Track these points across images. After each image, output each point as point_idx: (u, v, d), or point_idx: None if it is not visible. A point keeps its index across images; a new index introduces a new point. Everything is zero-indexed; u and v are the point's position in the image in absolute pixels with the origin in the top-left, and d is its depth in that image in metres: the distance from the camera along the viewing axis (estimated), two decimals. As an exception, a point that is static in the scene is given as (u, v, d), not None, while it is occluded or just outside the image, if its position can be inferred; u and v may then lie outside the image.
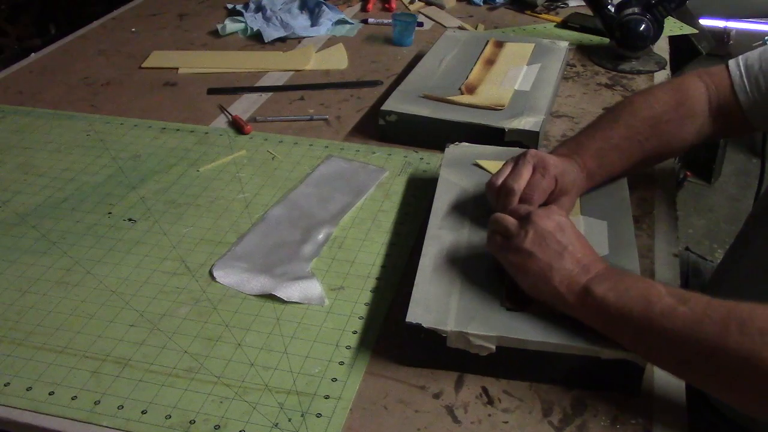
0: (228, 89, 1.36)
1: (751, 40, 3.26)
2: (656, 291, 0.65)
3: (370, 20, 1.72)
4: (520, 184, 0.82)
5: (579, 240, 0.72)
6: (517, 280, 0.73)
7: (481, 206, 0.89)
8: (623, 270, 0.71)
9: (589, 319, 0.68)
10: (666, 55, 1.50)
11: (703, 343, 0.61)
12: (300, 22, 1.65)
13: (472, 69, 1.29)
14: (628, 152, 0.90)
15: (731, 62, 0.93)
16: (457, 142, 1.03)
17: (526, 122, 1.10)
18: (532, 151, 0.85)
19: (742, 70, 0.91)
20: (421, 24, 1.68)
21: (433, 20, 1.75)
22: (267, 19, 1.64)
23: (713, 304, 0.62)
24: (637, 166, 0.92)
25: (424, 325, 0.70)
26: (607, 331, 0.68)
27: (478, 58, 1.34)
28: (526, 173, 0.83)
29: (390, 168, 1.08)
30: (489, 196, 0.86)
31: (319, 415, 0.68)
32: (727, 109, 0.92)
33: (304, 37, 1.62)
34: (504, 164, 0.86)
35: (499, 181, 0.84)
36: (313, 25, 1.66)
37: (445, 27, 1.68)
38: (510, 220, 0.75)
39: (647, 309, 0.64)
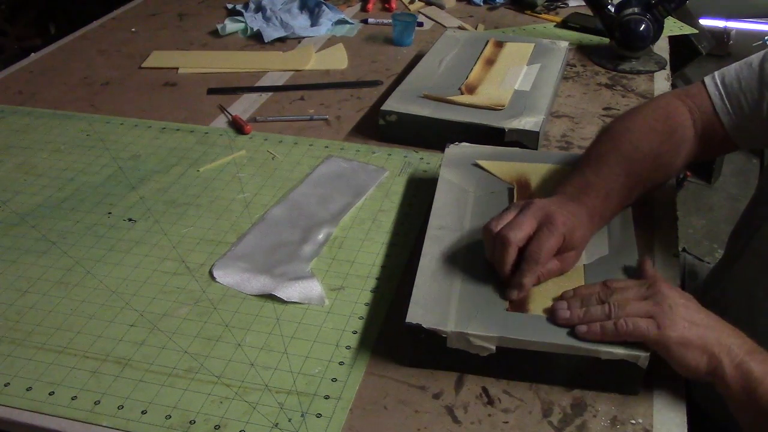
0: (228, 89, 1.36)
1: (751, 40, 3.26)
2: None
3: (370, 20, 1.72)
4: (517, 234, 0.74)
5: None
6: (667, 320, 0.67)
7: (481, 206, 0.89)
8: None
9: (732, 396, 0.65)
10: (666, 55, 1.50)
11: None
12: (300, 22, 1.65)
13: (472, 69, 1.29)
14: (633, 191, 0.86)
15: (707, 81, 0.90)
16: (457, 142, 1.03)
17: (526, 122, 1.10)
18: (539, 203, 0.77)
19: (722, 91, 0.88)
20: (421, 24, 1.68)
21: (433, 20, 1.75)
22: (267, 19, 1.64)
23: None
24: (634, 199, 0.89)
25: (424, 325, 0.70)
26: (745, 416, 0.65)
27: (478, 58, 1.34)
28: (527, 226, 0.74)
29: (390, 168, 1.08)
30: (485, 241, 0.78)
31: (319, 415, 0.68)
32: (710, 131, 0.89)
33: (304, 37, 1.62)
34: (506, 209, 0.79)
35: (497, 228, 0.76)
36: (313, 25, 1.66)
37: (445, 27, 1.68)
38: (607, 287, 0.72)
39: None
